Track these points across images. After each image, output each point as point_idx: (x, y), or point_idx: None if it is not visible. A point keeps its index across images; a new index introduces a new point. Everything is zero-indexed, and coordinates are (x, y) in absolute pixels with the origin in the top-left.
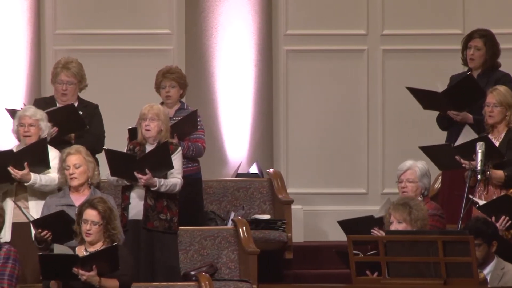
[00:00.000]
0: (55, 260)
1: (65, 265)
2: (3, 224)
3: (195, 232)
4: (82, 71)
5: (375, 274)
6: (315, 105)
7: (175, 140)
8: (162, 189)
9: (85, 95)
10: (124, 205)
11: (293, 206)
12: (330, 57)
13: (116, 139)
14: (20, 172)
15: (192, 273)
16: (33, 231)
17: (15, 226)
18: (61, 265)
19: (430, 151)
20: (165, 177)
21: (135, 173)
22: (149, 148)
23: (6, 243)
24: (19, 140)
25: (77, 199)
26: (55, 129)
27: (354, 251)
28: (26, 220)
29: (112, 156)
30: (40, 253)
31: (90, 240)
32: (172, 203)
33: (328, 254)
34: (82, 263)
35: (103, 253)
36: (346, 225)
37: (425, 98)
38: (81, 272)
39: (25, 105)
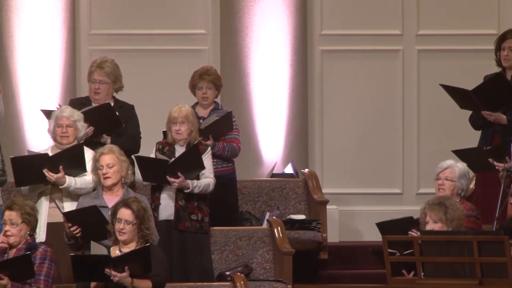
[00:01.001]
0: (87, 261)
1: (97, 266)
2: (37, 223)
3: (230, 233)
4: (117, 71)
5: (412, 273)
6: (350, 105)
7: (210, 142)
8: (196, 191)
9: (120, 95)
10: (154, 206)
11: (328, 206)
12: (365, 57)
13: (151, 140)
14: (55, 175)
15: (227, 273)
16: None
17: (50, 226)
18: (93, 266)
19: (463, 155)
20: (197, 177)
21: (168, 177)
22: (178, 148)
23: (41, 243)
24: (55, 140)
25: (110, 199)
26: (91, 128)
27: (391, 250)
28: (61, 220)
29: (144, 162)
30: (72, 254)
31: (123, 239)
32: (203, 203)
33: (363, 254)
34: (114, 264)
35: (136, 254)
36: (384, 226)
37: (458, 96)
38: (113, 273)
39: (60, 105)
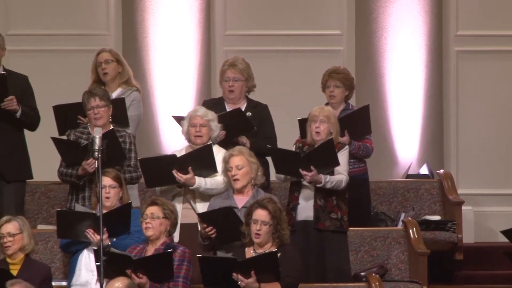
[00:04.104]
0: (215, 263)
1: (225, 269)
2: (177, 222)
3: (365, 233)
4: (249, 70)
5: None
6: (486, 106)
7: (346, 138)
8: (328, 186)
9: (254, 95)
10: (293, 206)
11: (463, 207)
12: (501, 58)
13: (285, 140)
14: (184, 176)
15: (362, 274)
16: None
17: (183, 227)
18: (221, 269)
19: None
20: (331, 174)
21: (301, 170)
22: None
23: (178, 244)
24: (189, 141)
25: (241, 200)
26: (223, 132)
27: None
28: (194, 221)
29: (277, 154)
30: (200, 255)
31: (259, 241)
32: (341, 202)
33: (499, 255)
34: (242, 267)
35: (263, 258)
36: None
37: None
38: (240, 277)
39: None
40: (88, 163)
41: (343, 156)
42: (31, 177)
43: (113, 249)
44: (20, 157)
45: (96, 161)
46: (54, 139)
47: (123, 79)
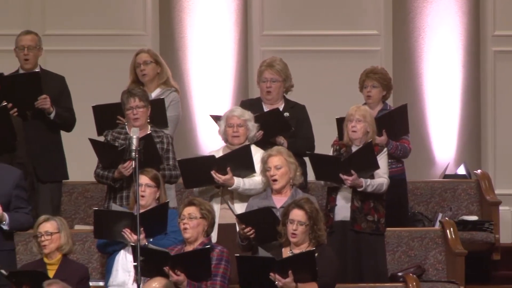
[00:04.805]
0: (252, 263)
1: (262, 268)
2: (214, 222)
3: (402, 233)
4: (287, 70)
5: None
6: None
7: (383, 137)
8: (369, 189)
9: (291, 95)
10: (330, 207)
11: (500, 207)
12: None
13: (323, 140)
14: (223, 177)
15: (399, 274)
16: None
17: (221, 227)
18: (258, 269)
19: None
20: (372, 177)
21: (341, 175)
22: (354, 150)
23: (216, 244)
24: (226, 141)
25: (279, 200)
26: (261, 133)
27: None
28: (232, 222)
29: (317, 160)
30: (237, 255)
31: (296, 241)
32: (379, 204)
33: None
34: (279, 268)
35: (301, 257)
36: None
37: None
38: (277, 277)
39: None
40: (125, 166)
41: (382, 159)
42: (67, 178)
43: (150, 245)
44: (55, 158)
45: (133, 162)
46: (92, 140)
47: (161, 79)
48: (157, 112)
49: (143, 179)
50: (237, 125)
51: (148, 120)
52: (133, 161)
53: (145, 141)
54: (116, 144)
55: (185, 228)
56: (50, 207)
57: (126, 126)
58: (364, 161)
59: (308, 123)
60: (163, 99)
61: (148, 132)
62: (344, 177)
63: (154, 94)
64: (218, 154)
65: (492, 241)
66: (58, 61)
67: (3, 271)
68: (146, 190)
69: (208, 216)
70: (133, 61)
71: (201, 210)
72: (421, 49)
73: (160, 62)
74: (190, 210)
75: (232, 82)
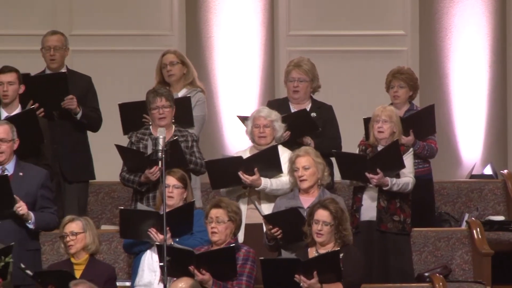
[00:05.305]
0: (277, 265)
1: (287, 270)
2: (241, 223)
3: (428, 234)
4: (315, 70)
5: None
6: None
7: (410, 137)
8: (394, 188)
9: (317, 95)
10: (356, 207)
11: None
12: None
13: (350, 141)
14: (250, 178)
15: (426, 274)
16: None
17: (248, 227)
18: (283, 270)
19: None
20: (397, 176)
21: (366, 174)
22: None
23: (242, 244)
24: (253, 141)
25: (306, 200)
26: (288, 133)
27: None
28: (258, 222)
29: (343, 158)
30: (262, 258)
31: (321, 241)
32: (405, 204)
33: None
34: (304, 269)
35: (325, 258)
36: None
37: None
38: (302, 279)
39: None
40: (151, 171)
41: (408, 158)
42: (93, 178)
43: (175, 244)
44: (82, 158)
45: (160, 162)
46: (118, 147)
47: (188, 80)
48: (183, 111)
49: (171, 180)
50: (264, 126)
51: (173, 121)
52: (159, 166)
53: (171, 145)
54: (140, 145)
55: (213, 232)
56: (76, 207)
57: (150, 127)
58: (389, 160)
59: (335, 123)
60: (189, 97)
61: (173, 134)
62: (369, 175)
63: (180, 95)
64: (245, 155)
65: None
66: (84, 61)
67: (28, 271)
68: (174, 191)
69: (235, 219)
70: (159, 62)
71: (229, 213)
72: (447, 49)
73: (186, 62)
74: (218, 213)
75: (258, 83)
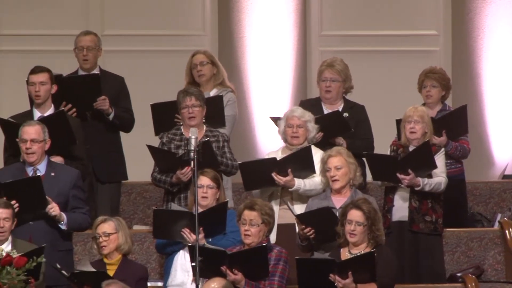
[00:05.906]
0: (313, 265)
1: (322, 270)
2: (274, 224)
3: (461, 234)
4: (347, 70)
5: None
6: None
7: (443, 138)
8: (426, 188)
9: (350, 95)
10: (388, 207)
11: None
12: None
13: (382, 140)
14: (284, 179)
15: (458, 274)
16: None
17: (280, 227)
18: (318, 271)
19: None
20: (429, 176)
21: (398, 174)
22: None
23: (275, 244)
24: (285, 141)
25: (338, 201)
26: (320, 134)
27: None
28: (291, 222)
29: (374, 159)
30: (297, 257)
31: (354, 241)
32: (436, 205)
33: None
34: (339, 269)
35: (361, 259)
36: None
37: None
38: (337, 278)
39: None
40: (183, 172)
41: (440, 158)
42: (126, 178)
43: (207, 245)
44: (115, 158)
45: (192, 163)
46: (149, 147)
47: (218, 80)
48: (215, 110)
49: (204, 181)
50: (297, 126)
51: (204, 121)
52: (191, 166)
53: (203, 145)
54: (172, 146)
55: (247, 235)
56: (109, 208)
57: (182, 127)
58: (421, 160)
59: (367, 124)
60: (221, 96)
61: (204, 134)
62: (401, 176)
63: (210, 95)
64: (278, 155)
65: None
66: (117, 61)
67: (64, 272)
68: (208, 192)
69: (269, 221)
70: (189, 63)
71: (262, 216)
72: (480, 49)
73: (216, 63)
74: (252, 215)
75: (291, 83)
